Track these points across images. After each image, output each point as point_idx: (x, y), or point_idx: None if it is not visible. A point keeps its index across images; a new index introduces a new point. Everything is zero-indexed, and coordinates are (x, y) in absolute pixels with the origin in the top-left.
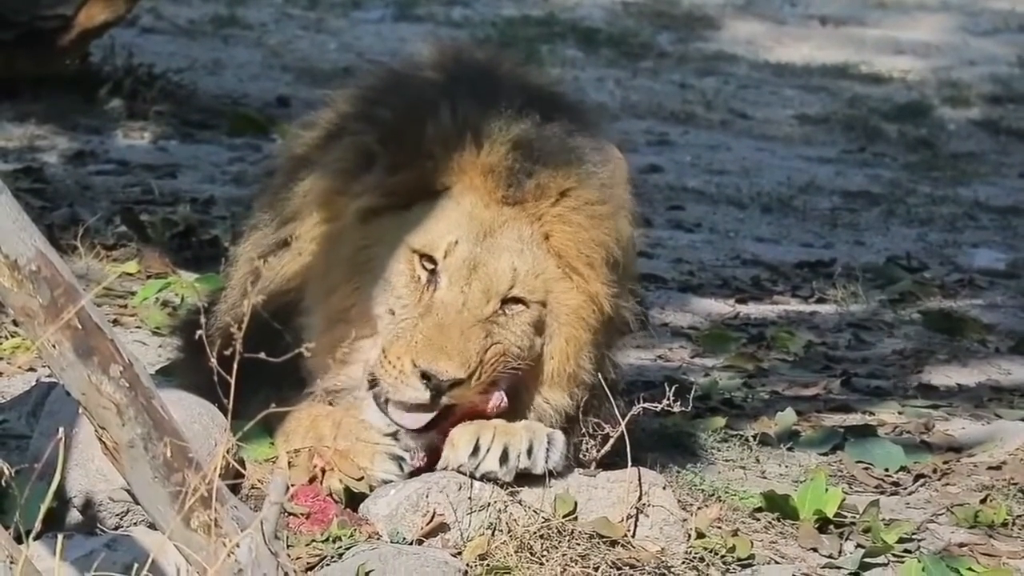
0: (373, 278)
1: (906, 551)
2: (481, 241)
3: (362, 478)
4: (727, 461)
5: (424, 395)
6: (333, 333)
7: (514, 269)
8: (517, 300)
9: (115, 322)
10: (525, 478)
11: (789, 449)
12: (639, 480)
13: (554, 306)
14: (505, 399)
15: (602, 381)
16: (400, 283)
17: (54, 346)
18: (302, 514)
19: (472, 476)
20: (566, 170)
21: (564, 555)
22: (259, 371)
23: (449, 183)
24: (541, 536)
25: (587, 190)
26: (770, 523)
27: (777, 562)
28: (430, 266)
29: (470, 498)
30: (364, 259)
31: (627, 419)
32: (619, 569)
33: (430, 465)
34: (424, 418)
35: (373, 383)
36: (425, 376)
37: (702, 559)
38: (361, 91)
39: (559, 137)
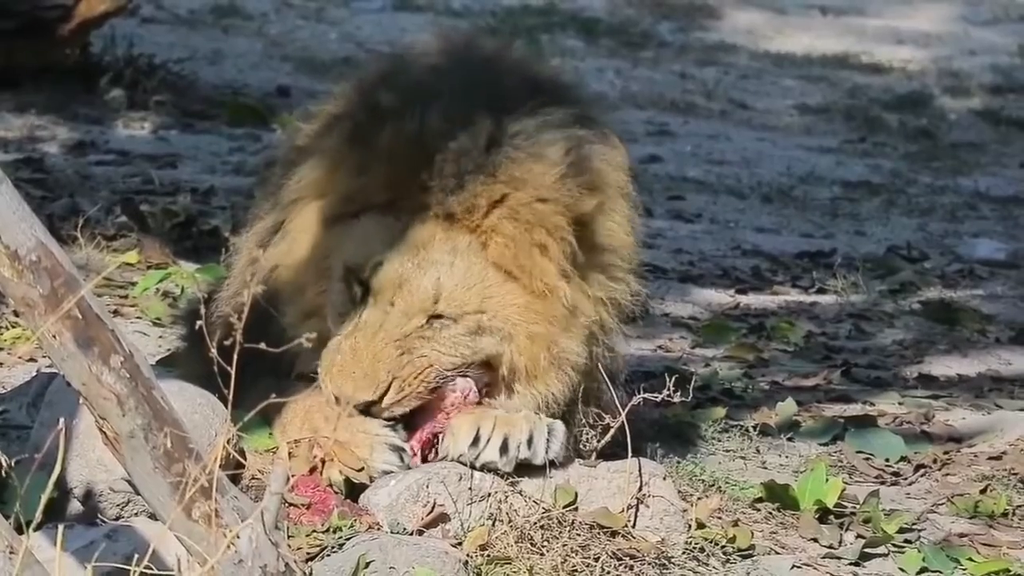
0: (331, 286)
1: (906, 541)
2: (412, 258)
3: (362, 469)
4: (727, 451)
5: (346, 411)
6: (306, 326)
7: (439, 285)
8: (443, 316)
9: (115, 312)
10: (525, 468)
11: (789, 439)
12: (639, 470)
13: (497, 310)
14: (474, 388)
15: (601, 370)
16: (339, 301)
17: (54, 336)
18: (302, 505)
19: (472, 466)
20: (499, 181)
21: (564, 545)
22: (259, 361)
23: (389, 198)
24: (541, 526)
25: (524, 196)
26: (770, 513)
27: (777, 552)
28: (360, 285)
29: (470, 488)
30: (326, 266)
31: (627, 409)
32: (619, 560)
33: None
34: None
35: None
36: (336, 399)
37: (702, 549)
38: (360, 81)
39: (509, 148)
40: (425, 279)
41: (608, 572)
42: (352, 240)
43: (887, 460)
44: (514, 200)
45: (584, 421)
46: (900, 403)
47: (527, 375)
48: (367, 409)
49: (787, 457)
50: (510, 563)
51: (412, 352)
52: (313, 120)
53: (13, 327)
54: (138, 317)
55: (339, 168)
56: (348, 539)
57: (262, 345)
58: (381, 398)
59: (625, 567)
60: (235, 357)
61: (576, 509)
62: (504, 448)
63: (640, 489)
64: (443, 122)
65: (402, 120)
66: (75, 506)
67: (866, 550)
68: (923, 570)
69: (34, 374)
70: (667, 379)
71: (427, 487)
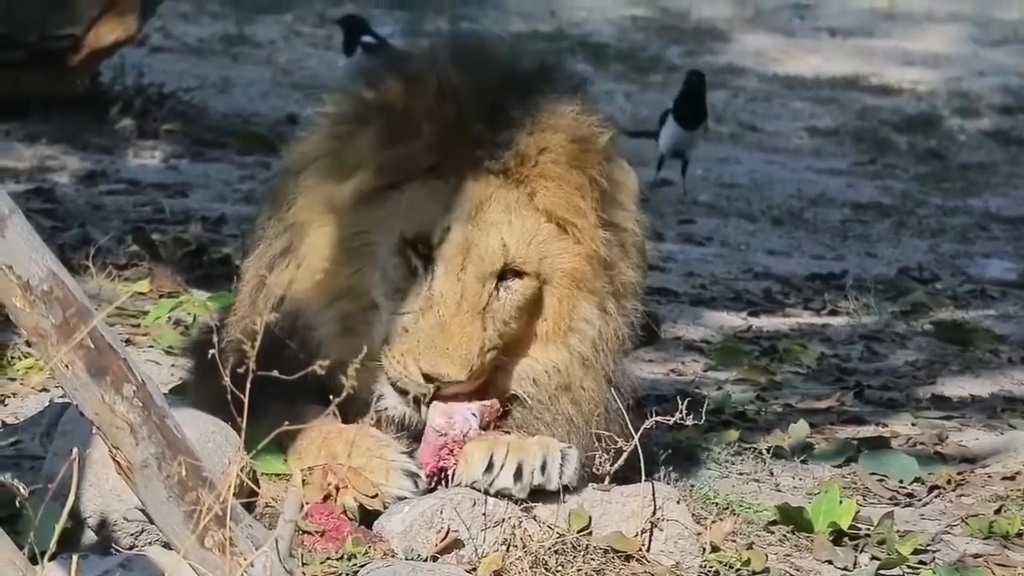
0: (373, 267)
1: (921, 563)
2: (472, 219)
3: (376, 495)
4: (741, 474)
5: (426, 388)
6: (337, 309)
7: (504, 244)
8: (512, 272)
9: (127, 342)
10: (539, 494)
11: (803, 462)
12: (653, 494)
13: (547, 272)
14: (475, 425)
15: (613, 393)
16: (398, 276)
17: (67, 366)
18: (316, 532)
19: (486, 492)
20: (541, 128)
21: (579, 570)
22: (271, 386)
23: (437, 159)
24: (556, 551)
25: (564, 135)
26: (784, 536)
27: (792, 575)
28: (425, 251)
29: (484, 514)
30: (361, 244)
31: (640, 433)
32: None
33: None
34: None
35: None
36: (428, 378)
37: (717, 573)
38: (356, 79)
39: (536, 99)
40: (491, 240)
41: None
42: (402, 210)
43: (901, 481)
44: (555, 143)
45: (597, 445)
46: (913, 424)
47: (541, 341)
48: (450, 385)
49: (801, 479)
50: None
51: (488, 327)
52: (311, 131)
53: (25, 357)
54: (150, 346)
55: (366, 143)
56: (363, 566)
57: (275, 372)
58: (469, 378)
59: None
60: (247, 384)
61: (590, 533)
62: (518, 474)
63: (654, 513)
64: (475, 79)
65: (436, 79)
66: (89, 536)
67: (881, 572)
68: None
69: (47, 404)
70: (679, 402)
71: (441, 513)
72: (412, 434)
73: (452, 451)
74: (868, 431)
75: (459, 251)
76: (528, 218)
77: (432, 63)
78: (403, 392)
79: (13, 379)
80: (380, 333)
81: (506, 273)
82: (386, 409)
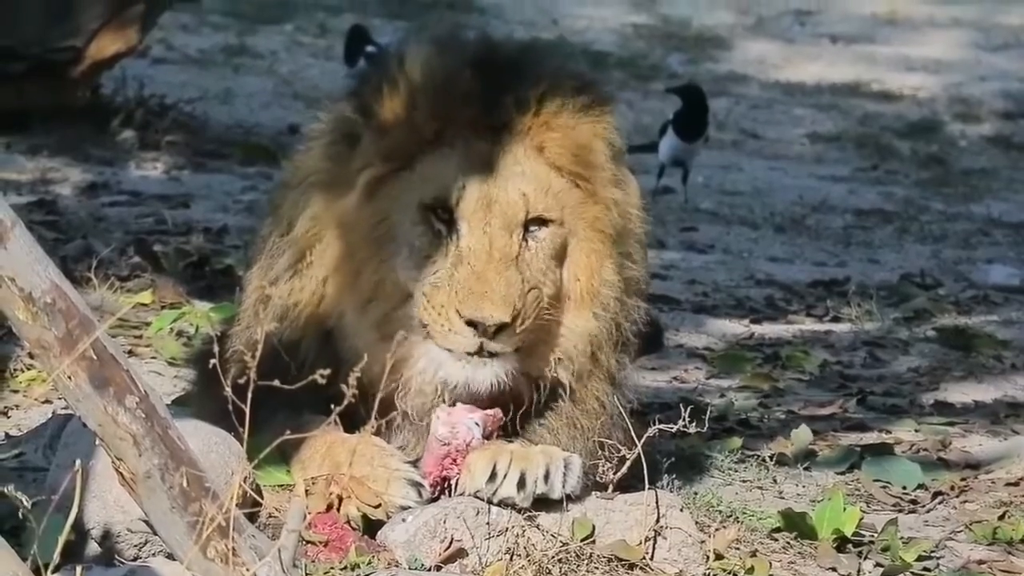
0: (397, 246)
1: (925, 569)
2: (486, 176)
3: (379, 505)
4: (744, 482)
5: (474, 342)
6: (372, 312)
7: (523, 194)
8: (537, 221)
9: (130, 353)
10: (542, 502)
11: (806, 468)
12: (656, 502)
13: (571, 221)
14: (477, 435)
15: (616, 399)
16: (424, 242)
17: (70, 378)
18: (320, 542)
19: (490, 501)
20: (537, 77)
21: None
22: (275, 396)
23: (439, 127)
24: (559, 560)
25: (563, 88)
26: (788, 543)
27: None
28: (446, 216)
29: (488, 523)
30: (383, 231)
31: (643, 441)
32: None
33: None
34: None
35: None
36: (471, 323)
37: None
38: (354, 88)
39: (520, 52)
40: (510, 192)
41: None
42: (416, 183)
43: (904, 488)
44: (559, 93)
45: (600, 453)
46: (917, 430)
47: (576, 305)
48: (496, 333)
49: (804, 486)
50: None
51: (525, 270)
52: (308, 142)
53: (28, 369)
54: (153, 357)
55: (358, 141)
56: None
57: (275, 382)
58: (514, 320)
59: None
60: (249, 394)
61: (594, 542)
62: (521, 483)
63: (657, 521)
64: (460, 52)
65: (420, 58)
66: (93, 547)
67: None
68: None
69: (50, 416)
70: (682, 410)
71: (444, 522)
72: (457, 398)
73: (455, 460)
74: (871, 438)
75: (480, 206)
76: (540, 169)
77: (415, 48)
78: (448, 350)
79: (16, 391)
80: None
81: (531, 223)
82: (437, 375)
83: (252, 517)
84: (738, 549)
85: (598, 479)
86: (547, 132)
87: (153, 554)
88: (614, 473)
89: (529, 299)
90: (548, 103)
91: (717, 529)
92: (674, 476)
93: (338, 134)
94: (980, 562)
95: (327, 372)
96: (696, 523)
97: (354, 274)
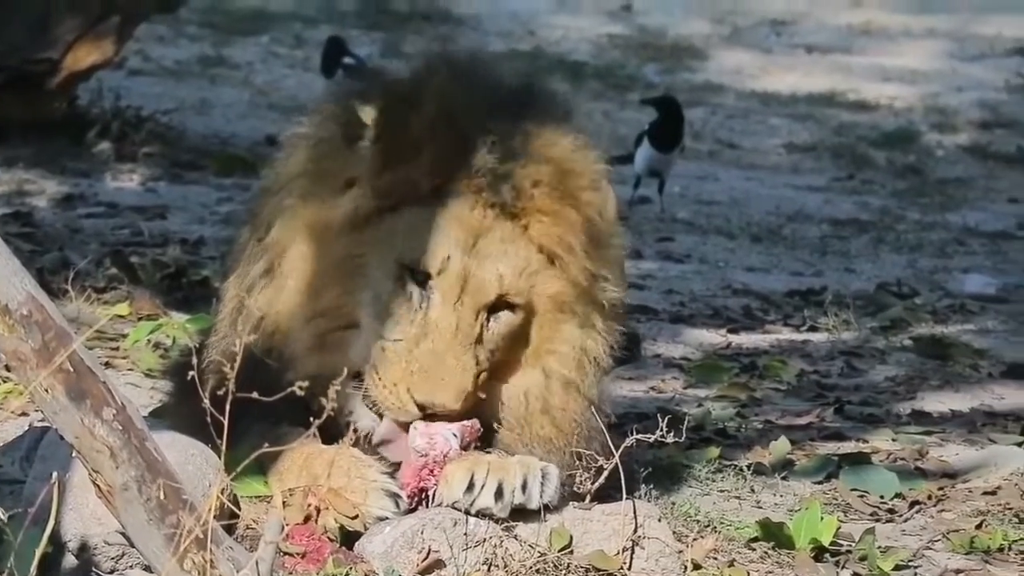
0: (365, 285)
1: None
2: (470, 250)
3: (356, 516)
4: (722, 491)
5: (417, 416)
6: (315, 326)
7: (500, 275)
8: (503, 304)
9: (107, 365)
10: (520, 513)
11: (784, 478)
12: (634, 512)
13: (534, 299)
14: (455, 445)
15: (593, 412)
16: (393, 299)
17: (46, 390)
18: (297, 553)
19: (467, 512)
20: (536, 161)
21: None
22: (253, 407)
23: (437, 183)
24: (537, 571)
25: (556, 172)
26: (766, 553)
27: None
28: (421, 279)
29: (465, 534)
30: (355, 266)
31: (620, 451)
32: None
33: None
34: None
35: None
36: (422, 407)
37: None
38: (339, 97)
39: (532, 130)
40: (488, 273)
41: None
42: (399, 234)
43: (882, 497)
44: (548, 177)
45: (578, 463)
46: (894, 439)
47: (524, 363)
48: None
49: (782, 496)
50: None
51: (481, 354)
52: (292, 148)
53: (5, 382)
54: (130, 369)
55: (359, 163)
56: None
57: (254, 394)
58: (463, 405)
59: None
60: (227, 406)
61: (571, 552)
62: (499, 494)
63: (635, 531)
64: (473, 102)
65: (436, 101)
66: (70, 560)
67: None
68: None
69: (26, 428)
70: (660, 420)
71: (422, 533)
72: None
73: (433, 471)
74: (849, 447)
75: (457, 281)
76: (521, 249)
77: (430, 83)
78: (379, 415)
79: None
80: (359, 353)
81: (499, 305)
82: (363, 428)
83: (230, 529)
84: (716, 559)
85: (576, 489)
86: (536, 213)
87: (131, 566)
88: (592, 483)
89: (480, 380)
90: (541, 187)
91: (695, 539)
92: (652, 486)
93: (336, 131)
94: (957, 571)
95: (305, 384)
96: (674, 533)
97: (314, 291)
